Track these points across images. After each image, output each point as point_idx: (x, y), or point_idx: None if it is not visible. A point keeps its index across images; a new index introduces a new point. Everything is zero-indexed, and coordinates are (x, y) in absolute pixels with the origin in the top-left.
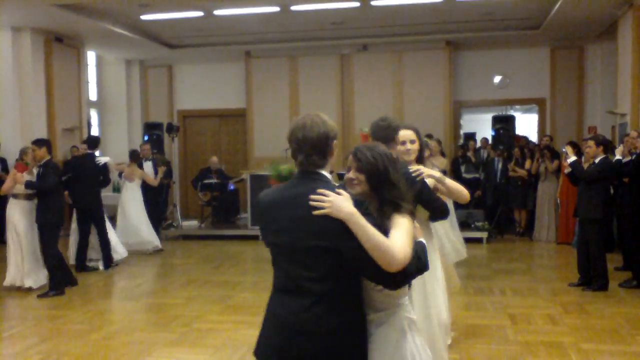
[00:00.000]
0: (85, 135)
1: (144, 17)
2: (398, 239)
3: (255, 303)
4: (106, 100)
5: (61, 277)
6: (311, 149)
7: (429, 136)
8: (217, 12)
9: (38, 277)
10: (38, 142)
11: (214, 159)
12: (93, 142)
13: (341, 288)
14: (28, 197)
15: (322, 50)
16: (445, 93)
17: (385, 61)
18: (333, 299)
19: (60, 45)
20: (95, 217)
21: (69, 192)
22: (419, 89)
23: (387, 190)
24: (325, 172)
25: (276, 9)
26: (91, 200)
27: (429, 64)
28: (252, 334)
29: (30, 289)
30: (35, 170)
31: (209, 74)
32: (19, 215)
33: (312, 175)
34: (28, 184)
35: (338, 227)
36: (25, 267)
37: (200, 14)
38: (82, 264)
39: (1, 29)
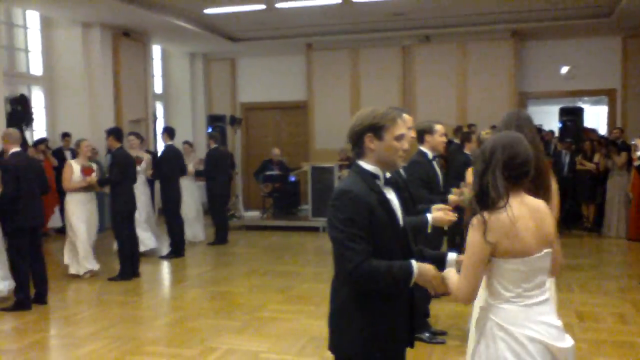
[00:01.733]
0: (151, 128)
1: (207, 10)
2: (460, 277)
3: (316, 294)
4: (171, 93)
5: (129, 264)
6: (350, 141)
7: (494, 127)
8: (278, 5)
9: (87, 265)
10: (107, 132)
11: (276, 150)
12: (173, 133)
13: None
14: (85, 189)
15: (384, 42)
16: (510, 84)
17: (448, 52)
18: (337, 279)
19: (127, 40)
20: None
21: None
22: (483, 81)
23: (475, 183)
24: (362, 163)
25: (338, 0)
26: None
27: (493, 54)
28: (313, 324)
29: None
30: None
31: (271, 66)
32: (74, 206)
33: (353, 166)
34: (101, 182)
35: (328, 214)
36: (79, 256)
37: (262, 7)
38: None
39: (72, 25)
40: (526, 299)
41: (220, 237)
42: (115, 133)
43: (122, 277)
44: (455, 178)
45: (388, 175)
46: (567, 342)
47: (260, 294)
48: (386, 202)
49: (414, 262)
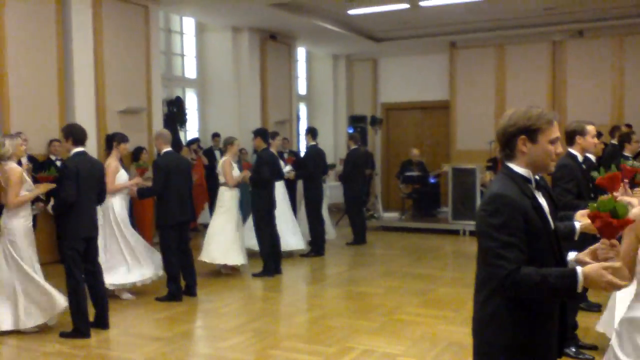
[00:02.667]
0: (294, 128)
1: (351, 12)
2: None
3: (455, 299)
4: (314, 94)
5: (271, 261)
6: (499, 142)
7: None
8: (422, 4)
9: (239, 257)
10: (253, 132)
11: (415, 151)
12: (316, 133)
13: (486, 281)
14: (236, 185)
15: (532, 38)
16: None
17: (603, 47)
18: (486, 287)
19: (273, 43)
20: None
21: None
22: None
23: None
24: (513, 165)
25: None
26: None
27: None
28: (451, 329)
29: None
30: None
31: (413, 66)
32: (227, 200)
33: (502, 169)
34: (252, 180)
35: (479, 219)
36: (230, 248)
37: (405, 6)
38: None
39: (224, 30)
40: None
41: (358, 237)
42: (261, 134)
43: (265, 274)
44: None
45: (537, 178)
46: None
47: (398, 296)
48: (539, 206)
49: (578, 267)
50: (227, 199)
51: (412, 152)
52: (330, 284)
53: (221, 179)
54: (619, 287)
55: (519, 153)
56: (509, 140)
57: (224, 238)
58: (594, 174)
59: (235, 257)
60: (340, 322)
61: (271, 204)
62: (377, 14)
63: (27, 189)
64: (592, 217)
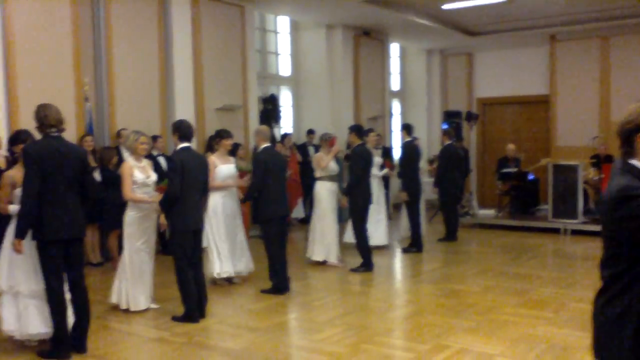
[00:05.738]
0: (387, 124)
1: (445, 6)
2: None
3: (555, 300)
4: (408, 89)
5: (369, 256)
6: (619, 138)
7: None
8: None
9: (331, 254)
10: (349, 128)
11: (511, 146)
12: (411, 129)
13: (618, 276)
14: (332, 179)
15: (639, 28)
16: None
17: None
18: (615, 284)
19: (366, 39)
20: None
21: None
22: None
23: None
24: (634, 162)
25: None
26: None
27: None
28: (551, 331)
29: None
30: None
31: (510, 60)
32: (325, 195)
33: (622, 165)
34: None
35: (613, 213)
36: (325, 244)
37: None
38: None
39: (317, 27)
40: None
41: (450, 234)
42: (357, 130)
43: (365, 268)
44: None
45: None
46: None
47: (494, 295)
48: None
49: None
50: (323, 193)
51: (508, 147)
52: (424, 280)
53: (316, 173)
54: None
55: (639, 151)
56: (628, 137)
57: (326, 235)
58: None
59: (335, 255)
60: (435, 319)
61: (369, 201)
62: (473, 8)
63: (139, 182)
64: None
